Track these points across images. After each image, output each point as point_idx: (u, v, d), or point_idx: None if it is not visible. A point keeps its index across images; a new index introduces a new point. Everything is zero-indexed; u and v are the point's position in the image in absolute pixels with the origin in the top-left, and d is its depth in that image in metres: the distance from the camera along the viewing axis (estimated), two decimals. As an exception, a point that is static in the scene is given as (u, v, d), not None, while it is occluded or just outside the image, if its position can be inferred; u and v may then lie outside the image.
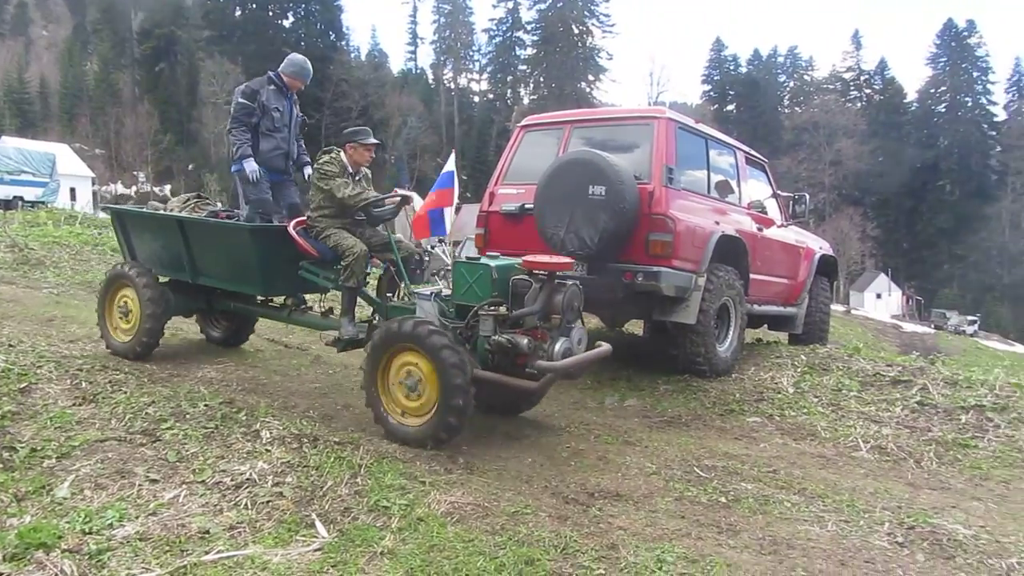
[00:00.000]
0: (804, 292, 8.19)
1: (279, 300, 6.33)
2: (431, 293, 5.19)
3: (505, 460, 4.67)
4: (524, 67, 72.55)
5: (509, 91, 76.06)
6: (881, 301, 64.20)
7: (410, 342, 4.65)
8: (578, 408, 6.16)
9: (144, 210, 6.90)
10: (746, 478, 4.64)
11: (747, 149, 7.89)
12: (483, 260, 4.91)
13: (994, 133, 73.40)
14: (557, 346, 4.71)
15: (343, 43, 75.31)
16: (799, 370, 6.87)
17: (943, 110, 74.25)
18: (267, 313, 6.38)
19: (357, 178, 5.67)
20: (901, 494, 4.57)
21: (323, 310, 6.12)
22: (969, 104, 73.88)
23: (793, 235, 8.18)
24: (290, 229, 5.62)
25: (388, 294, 5.74)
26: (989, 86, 74.30)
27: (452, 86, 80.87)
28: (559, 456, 4.87)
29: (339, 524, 3.52)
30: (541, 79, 66.87)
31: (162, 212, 6.58)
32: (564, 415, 5.89)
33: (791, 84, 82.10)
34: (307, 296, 6.35)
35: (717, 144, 7.16)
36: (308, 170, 6.54)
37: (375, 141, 5.83)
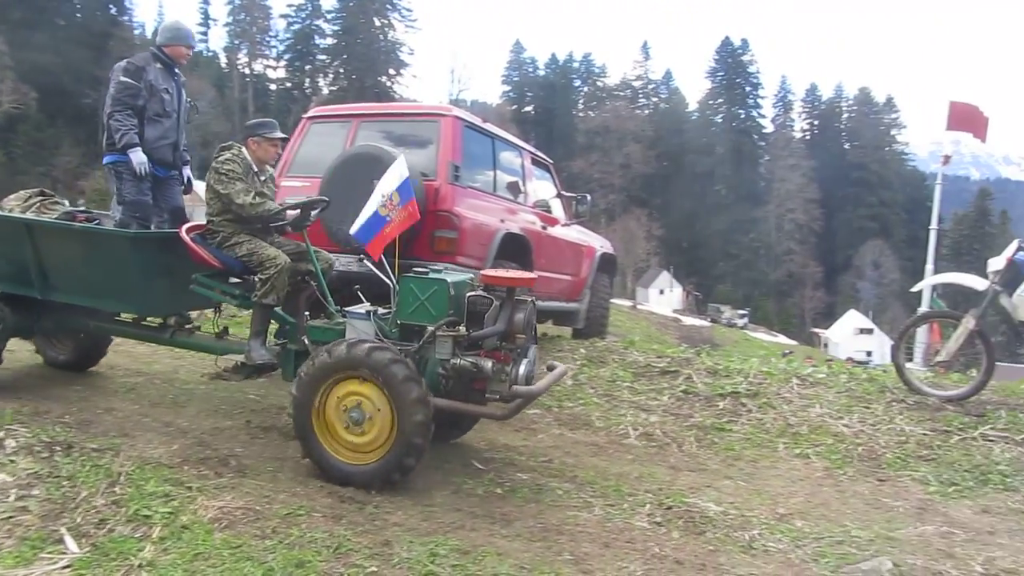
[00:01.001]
0: (586, 288, 8.57)
1: (155, 319, 5.47)
2: (367, 311, 4.67)
3: (282, 461, 4.53)
4: (324, 57, 70.89)
5: (308, 80, 74.10)
6: (664, 297, 68.56)
7: (362, 369, 4.14)
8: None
9: None
10: (522, 468, 4.80)
11: (533, 150, 8.15)
12: (434, 274, 4.52)
13: (763, 143, 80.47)
14: (521, 369, 4.41)
15: (126, 18, 69.98)
16: (579, 363, 7.19)
17: (720, 120, 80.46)
18: (139, 334, 5.53)
19: (263, 178, 5.14)
20: (663, 477, 4.90)
21: (217, 330, 5.30)
22: (742, 116, 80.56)
23: (576, 234, 8.55)
24: (184, 235, 4.95)
25: (306, 312, 5.20)
26: (759, 100, 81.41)
27: (247, 72, 77.59)
28: (339, 454, 4.81)
29: (93, 538, 3.28)
30: (341, 70, 65.65)
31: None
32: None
33: (585, 89, 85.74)
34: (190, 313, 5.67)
35: (504, 144, 7.34)
36: (187, 171, 5.87)
37: (283, 135, 5.29)
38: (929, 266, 15.20)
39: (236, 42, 79.09)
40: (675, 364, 7.12)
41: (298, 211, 4.97)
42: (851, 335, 62.36)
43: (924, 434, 5.74)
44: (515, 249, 6.73)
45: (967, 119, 14.42)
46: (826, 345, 61.53)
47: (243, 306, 5.12)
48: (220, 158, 4.93)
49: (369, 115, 6.87)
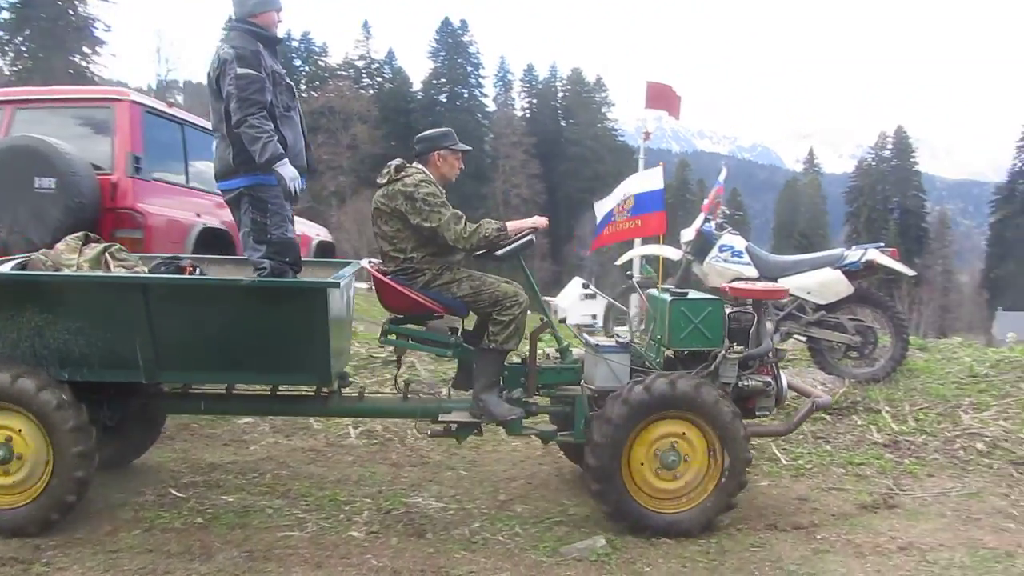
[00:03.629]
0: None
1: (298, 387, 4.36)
2: (619, 343, 4.21)
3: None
4: (1, 33, 62.75)
5: (-15, 59, 65.10)
6: (401, 276, 68.56)
7: (684, 409, 3.84)
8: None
9: (53, 273, 3.96)
10: (229, 489, 4.39)
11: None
12: (693, 295, 4.26)
13: (486, 122, 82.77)
14: (784, 382, 4.31)
15: None
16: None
17: (444, 100, 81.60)
18: (282, 409, 4.52)
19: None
20: (384, 477, 4.71)
21: (402, 387, 4.42)
22: (465, 96, 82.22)
23: (288, 224, 8.07)
24: (389, 280, 4.06)
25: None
26: (481, 80, 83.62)
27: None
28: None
29: None
30: (23, 48, 58.26)
31: (90, 273, 3.97)
32: None
33: (307, 69, 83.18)
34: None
35: (197, 130, 6.71)
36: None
37: (467, 147, 4.41)
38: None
39: None
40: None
41: (530, 234, 4.24)
42: (577, 300, 66.31)
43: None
44: (216, 245, 6.18)
45: (662, 98, 15.52)
46: (556, 312, 64.89)
47: (456, 355, 4.28)
48: (412, 181, 4.02)
49: (27, 101, 5.94)
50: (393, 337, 4.28)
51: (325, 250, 8.70)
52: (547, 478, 4.82)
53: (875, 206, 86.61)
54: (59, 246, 4.13)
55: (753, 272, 6.35)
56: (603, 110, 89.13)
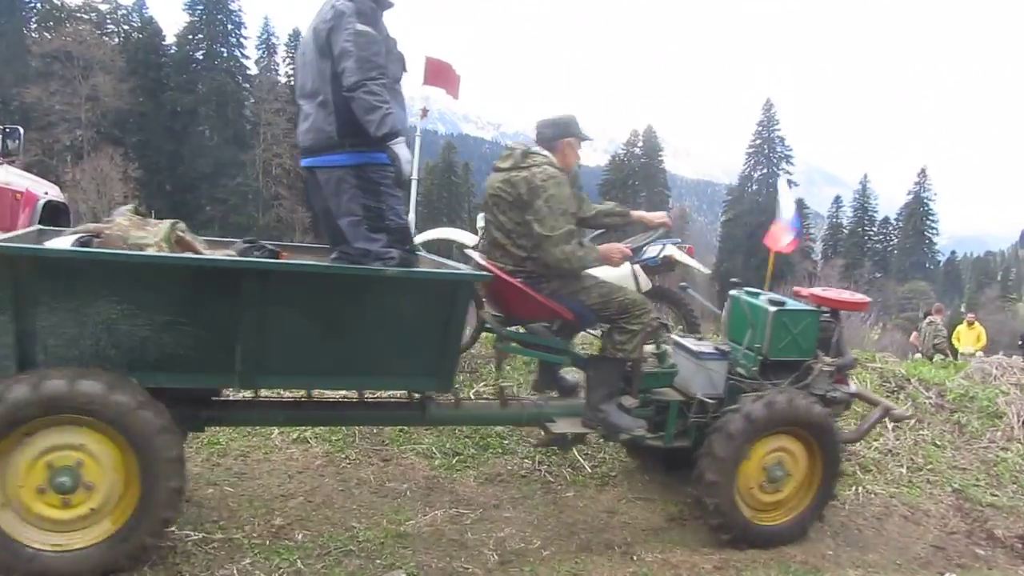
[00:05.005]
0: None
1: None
2: (717, 351, 4.25)
3: None
4: None
5: None
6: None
7: (796, 425, 3.92)
8: None
9: (153, 254, 3.20)
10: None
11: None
12: (791, 304, 4.29)
13: (248, 85, 78.02)
14: (852, 388, 4.44)
15: None
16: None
17: (201, 58, 75.89)
18: (375, 417, 4.17)
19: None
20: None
21: (498, 392, 4.14)
22: (225, 55, 76.92)
23: (6, 176, 6.65)
24: (520, 284, 3.79)
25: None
26: (243, 40, 78.59)
27: None
28: None
29: None
30: None
31: (203, 256, 3.37)
32: None
33: (39, 6, 74.01)
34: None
35: None
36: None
37: (591, 137, 4.09)
38: (411, 215, 15.76)
39: None
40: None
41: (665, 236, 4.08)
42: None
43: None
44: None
45: (442, 75, 15.05)
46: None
47: (577, 364, 4.09)
48: (538, 174, 3.71)
49: None
50: (513, 344, 4.10)
51: (55, 210, 7.31)
52: (330, 494, 4.15)
53: (626, 199, 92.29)
54: (121, 220, 3.37)
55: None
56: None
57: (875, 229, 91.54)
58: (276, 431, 4.76)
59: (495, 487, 4.44)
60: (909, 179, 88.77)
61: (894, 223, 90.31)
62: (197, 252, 3.47)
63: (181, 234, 3.48)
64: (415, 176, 16.29)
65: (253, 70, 79.12)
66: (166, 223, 3.45)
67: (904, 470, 5.23)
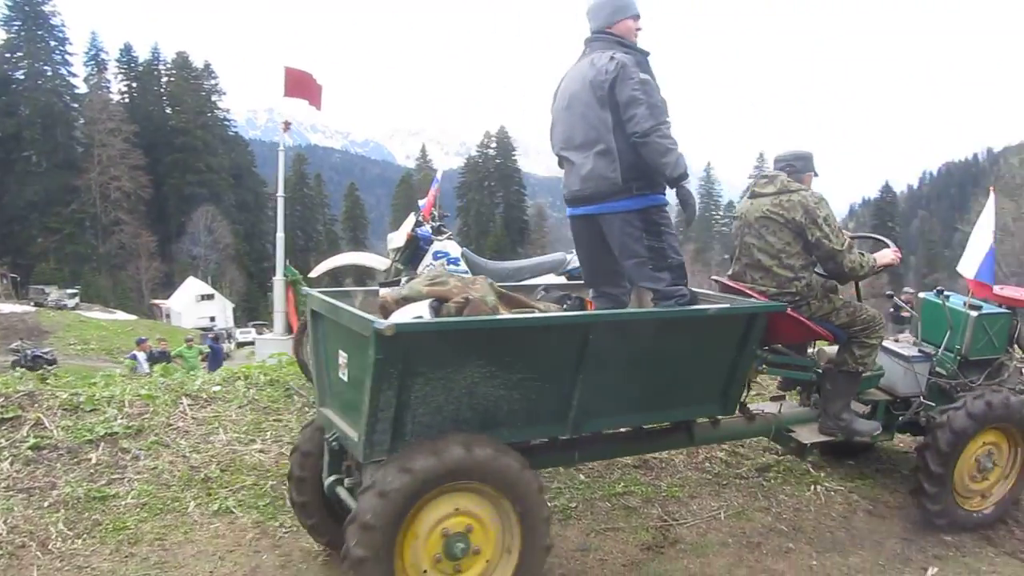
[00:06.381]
0: None
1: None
2: (922, 353, 4.58)
3: None
4: None
5: None
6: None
7: (1007, 421, 4.27)
8: None
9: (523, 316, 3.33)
10: None
11: None
12: (987, 308, 4.58)
13: (76, 105, 73.02)
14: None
15: None
16: None
17: (22, 77, 70.41)
18: (653, 445, 4.18)
19: None
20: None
21: (742, 408, 4.08)
22: (49, 74, 71.64)
23: None
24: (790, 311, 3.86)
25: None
26: (68, 57, 73.41)
27: None
28: None
29: None
30: None
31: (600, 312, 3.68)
32: None
33: None
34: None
35: None
36: None
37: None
38: (280, 234, 14.96)
39: None
40: (12, 405, 5.04)
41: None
42: (193, 303, 61.38)
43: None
44: None
45: (302, 86, 14.32)
46: (168, 316, 59.49)
47: (816, 378, 4.33)
48: (808, 197, 3.94)
49: None
50: (773, 367, 4.22)
51: None
52: (273, 573, 3.59)
53: (483, 200, 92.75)
54: (447, 280, 3.46)
55: (472, 281, 5.64)
56: (213, 98, 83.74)
57: (721, 213, 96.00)
58: (192, 504, 4.16)
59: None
60: (749, 164, 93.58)
61: (736, 205, 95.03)
62: (527, 305, 3.62)
63: (501, 289, 3.60)
64: (281, 193, 15.50)
65: (82, 88, 74.16)
66: (483, 280, 3.53)
67: (853, 463, 5.19)
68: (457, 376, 2.97)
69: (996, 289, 4.68)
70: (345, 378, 3.15)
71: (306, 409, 5.42)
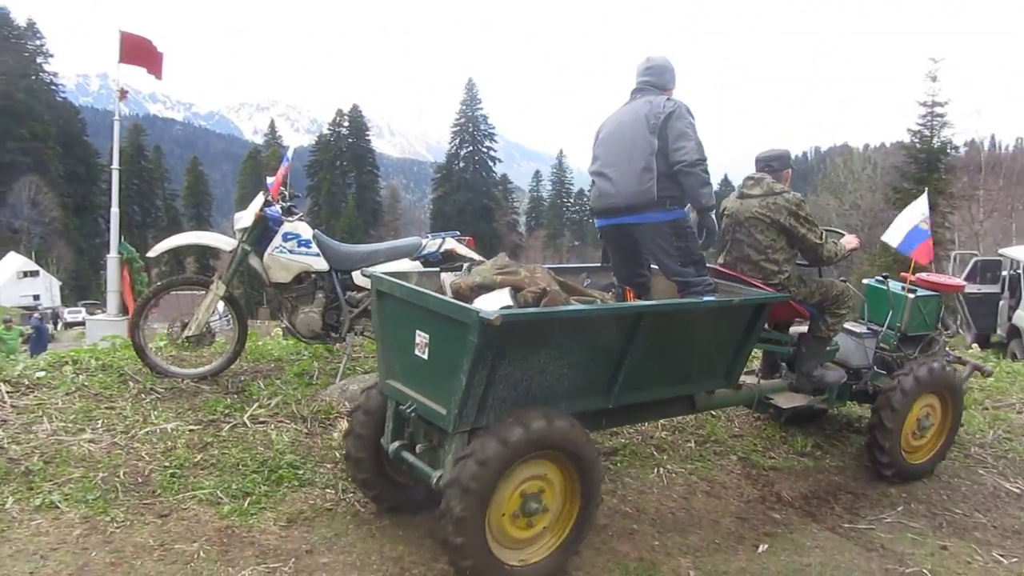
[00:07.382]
0: None
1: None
2: (870, 330, 5.35)
3: None
4: None
5: None
6: None
7: (942, 386, 5.17)
8: None
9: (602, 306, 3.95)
10: None
11: None
12: (921, 292, 5.42)
13: None
14: (952, 354, 5.93)
15: None
16: None
17: None
18: (660, 413, 4.65)
19: None
20: None
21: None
22: None
23: None
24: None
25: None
26: None
27: None
28: None
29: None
30: None
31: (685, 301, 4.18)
32: None
33: None
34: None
35: None
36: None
37: None
38: (114, 208, 14.10)
39: None
40: None
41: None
42: (15, 280, 56.72)
43: (191, 431, 4.74)
44: None
45: (141, 53, 13.48)
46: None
47: (792, 350, 5.00)
48: (791, 199, 4.61)
49: None
50: (767, 344, 4.92)
51: None
52: (103, 572, 3.37)
53: (335, 180, 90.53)
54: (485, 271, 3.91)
55: (323, 264, 5.51)
56: (38, 60, 77.34)
57: (572, 200, 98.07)
58: (10, 500, 3.82)
59: (301, 529, 3.87)
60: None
61: (588, 193, 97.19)
62: (584, 293, 4.09)
63: (559, 279, 4.02)
64: (116, 165, 14.53)
65: None
66: (543, 269, 3.99)
67: (693, 444, 5.42)
68: (534, 357, 3.42)
69: (924, 276, 5.56)
70: (424, 356, 3.51)
71: (142, 396, 5.11)
